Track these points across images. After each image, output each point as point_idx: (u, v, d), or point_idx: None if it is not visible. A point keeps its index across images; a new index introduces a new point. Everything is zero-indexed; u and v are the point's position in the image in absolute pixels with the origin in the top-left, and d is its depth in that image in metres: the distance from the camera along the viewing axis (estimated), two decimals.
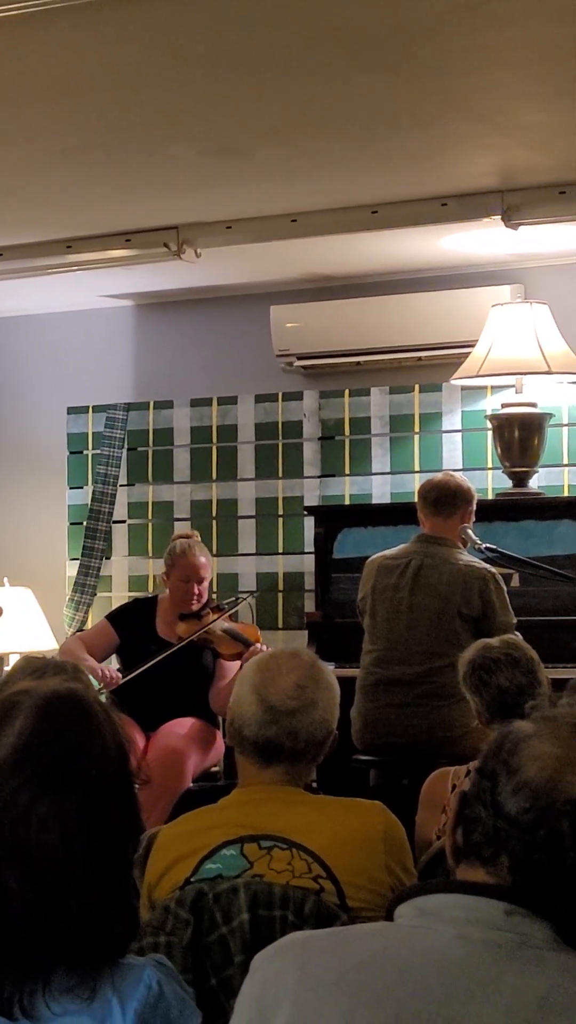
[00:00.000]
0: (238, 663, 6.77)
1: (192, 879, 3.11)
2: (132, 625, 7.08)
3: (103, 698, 3.81)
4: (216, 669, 6.96)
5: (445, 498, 6.38)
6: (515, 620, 6.18)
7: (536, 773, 2.01)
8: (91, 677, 6.47)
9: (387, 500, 8.01)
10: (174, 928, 2.99)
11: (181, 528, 8.22)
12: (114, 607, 7.64)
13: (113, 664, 7.14)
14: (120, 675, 6.77)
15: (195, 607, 6.97)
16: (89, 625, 8.36)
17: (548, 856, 1.98)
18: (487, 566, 6.28)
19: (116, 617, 7.19)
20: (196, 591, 6.97)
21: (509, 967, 1.93)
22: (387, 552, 6.45)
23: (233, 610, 7.15)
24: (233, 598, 7.39)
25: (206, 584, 7.05)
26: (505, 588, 6.26)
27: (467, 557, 6.32)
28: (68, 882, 2.04)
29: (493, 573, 6.24)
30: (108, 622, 7.16)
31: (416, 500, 6.52)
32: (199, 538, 7.23)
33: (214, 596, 7.40)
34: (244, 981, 2.07)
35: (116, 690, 6.78)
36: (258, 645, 6.79)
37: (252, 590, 8.14)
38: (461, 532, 6.40)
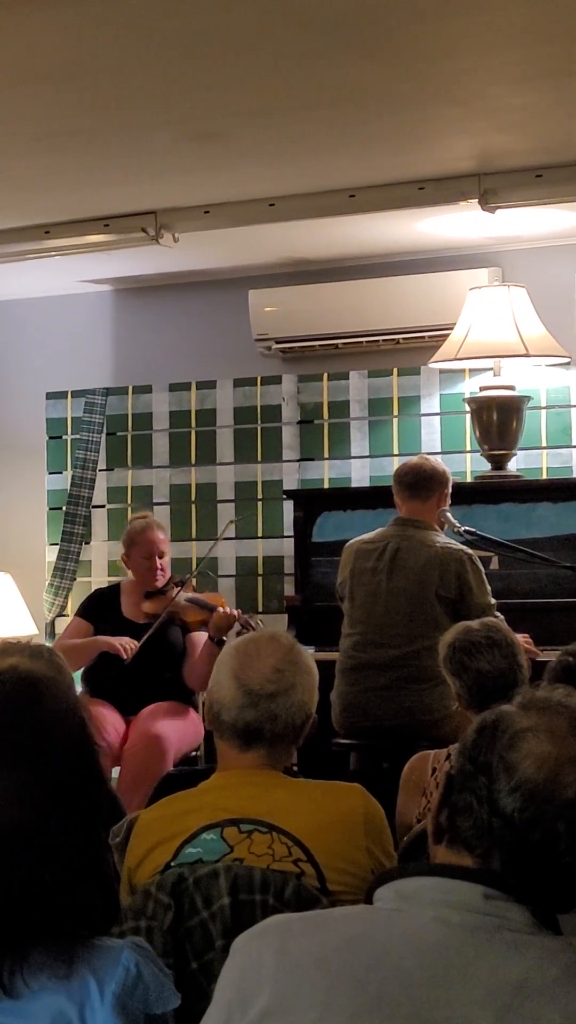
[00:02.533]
0: (206, 636, 6.85)
1: (172, 863, 3.11)
2: (100, 613, 7.13)
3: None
4: (187, 646, 6.98)
5: (421, 481, 6.39)
6: (494, 601, 6.19)
7: (534, 772, 2.01)
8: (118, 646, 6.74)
9: (366, 484, 8.01)
10: (155, 912, 3.00)
11: (160, 512, 8.30)
12: (92, 591, 7.68)
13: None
14: (136, 645, 6.81)
15: (160, 583, 7.04)
16: (69, 608, 8.38)
17: (542, 856, 1.99)
18: (463, 547, 6.30)
19: (84, 610, 7.23)
20: (159, 565, 7.04)
21: (487, 950, 1.94)
22: (364, 536, 6.46)
23: (194, 576, 7.23)
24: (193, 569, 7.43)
25: (167, 559, 7.13)
26: (483, 569, 6.27)
27: (444, 539, 6.33)
28: (34, 857, 2.05)
29: (470, 554, 6.25)
30: (79, 617, 7.19)
31: (392, 484, 6.53)
32: (153, 517, 7.39)
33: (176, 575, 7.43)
34: (224, 964, 2.08)
35: (90, 679, 6.81)
36: (222, 609, 6.84)
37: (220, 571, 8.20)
38: (440, 515, 6.41)
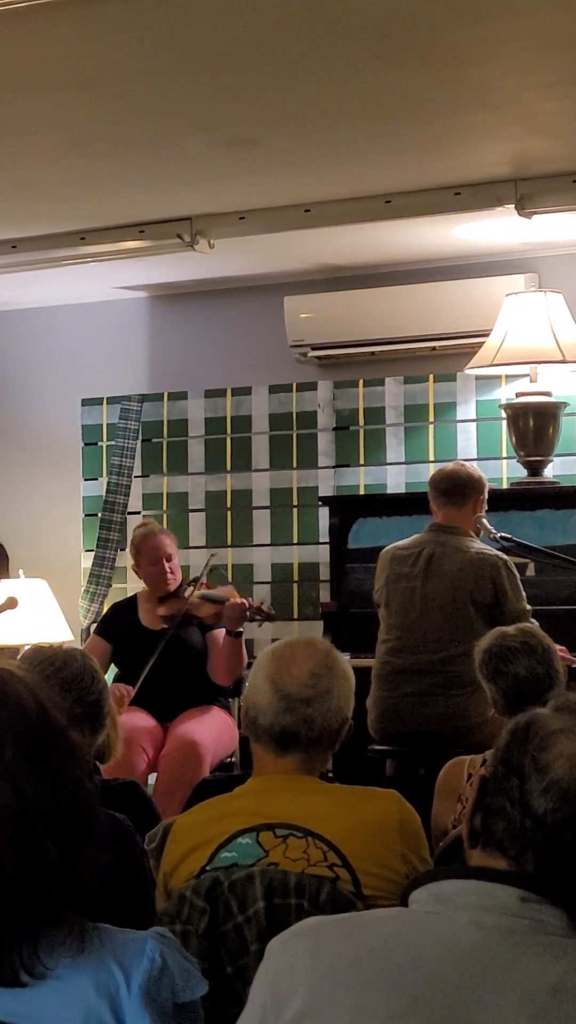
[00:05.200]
0: (223, 633, 6.89)
1: (208, 868, 3.11)
2: (118, 626, 7.19)
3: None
4: (210, 643, 7.00)
5: (457, 487, 6.39)
6: (529, 607, 6.18)
7: (566, 773, 2.01)
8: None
9: (402, 490, 8.01)
10: (190, 916, 3.00)
11: (196, 519, 8.33)
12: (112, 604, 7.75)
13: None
14: (130, 690, 6.78)
15: (172, 586, 7.11)
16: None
17: (575, 857, 1.99)
18: (499, 553, 6.29)
19: (102, 628, 7.32)
20: (168, 569, 7.10)
21: (523, 953, 1.93)
22: (400, 543, 6.46)
23: (204, 572, 7.21)
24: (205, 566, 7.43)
25: (176, 561, 7.19)
26: (518, 575, 6.26)
27: (479, 545, 6.32)
28: (14, 836, 2.05)
29: (505, 560, 6.24)
30: (97, 635, 7.27)
31: (428, 490, 6.52)
32: (155, 523, 7.48)
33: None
34: (259, 967, 2.07)
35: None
36: (232, 600, 6.88)
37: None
38: (476, 521, 6.41)
